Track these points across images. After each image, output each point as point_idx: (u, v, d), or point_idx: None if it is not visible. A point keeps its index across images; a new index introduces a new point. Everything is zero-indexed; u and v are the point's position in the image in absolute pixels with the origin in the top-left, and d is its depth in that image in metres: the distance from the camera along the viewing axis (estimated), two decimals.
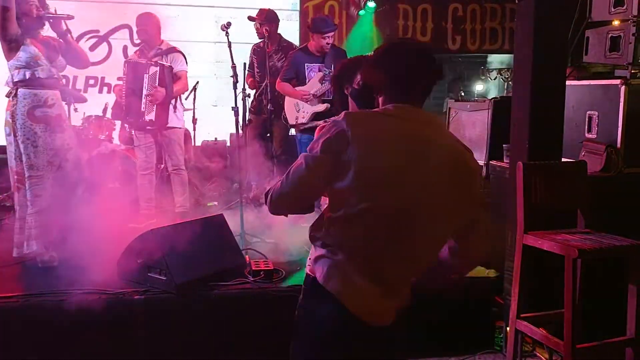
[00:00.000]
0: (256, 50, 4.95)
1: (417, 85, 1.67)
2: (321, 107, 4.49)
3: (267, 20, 4.94)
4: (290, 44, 5.12)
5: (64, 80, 3.87)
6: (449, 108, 4.81)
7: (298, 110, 4.58)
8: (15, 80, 3.44)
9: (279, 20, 5.11)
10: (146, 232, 3.17)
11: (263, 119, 4.94)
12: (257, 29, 4.99)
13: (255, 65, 4.93)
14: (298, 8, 7.04)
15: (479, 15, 7.65)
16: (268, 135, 4.97)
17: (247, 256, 3.51)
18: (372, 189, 1.57)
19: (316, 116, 4.47)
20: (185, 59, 4.58)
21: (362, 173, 1.56)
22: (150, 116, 4.38)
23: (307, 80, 4.56)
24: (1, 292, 2.93)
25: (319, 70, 4.55)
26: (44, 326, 2.77)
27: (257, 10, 5.06)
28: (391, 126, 1.61)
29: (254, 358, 3.05)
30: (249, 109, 5.11)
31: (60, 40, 3.59)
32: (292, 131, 4.93)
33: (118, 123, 5.78)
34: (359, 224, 1.59)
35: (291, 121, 4.65)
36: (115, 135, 5.71)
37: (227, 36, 4.19)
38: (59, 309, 2.81)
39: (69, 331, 2.79)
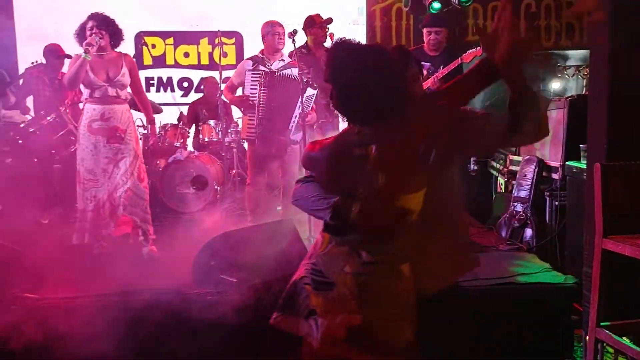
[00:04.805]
0: (301, 57, 4.88)
1: None
2: None
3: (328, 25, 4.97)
4: None
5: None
6: None
7: None
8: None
9: None
10: (219, 235, 3.28)
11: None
12: (323, 33, 4.96)
13: (306, 70, 4.88)
14: (364, 12, 7.05)
15: (553, 10, 7.34)
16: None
17: None
18: None
19: None
20: None
21: None
22: (296, 137, 4.30)
23: None
24: (79, 291, 3.13)
25: (428, 69, 4.40)
26: (118, 323, 2.85)
27: (318, 15, 5.04)
28: None
29: None
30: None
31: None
32: None
33: (192, 130, 6.03)
34: None
35: None
36: (189, 142, 5.96)
37: (294, 44, 4.25)
38: (135, 306, 2.96)
39: (143, 329, 2.90)
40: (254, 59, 4.48)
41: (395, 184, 1.68)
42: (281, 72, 4.29)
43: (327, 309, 1.76)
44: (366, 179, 1.70)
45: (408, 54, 2.01)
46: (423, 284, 1.78)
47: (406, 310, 1.77)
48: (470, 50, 4.37)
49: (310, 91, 4.20)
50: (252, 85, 4.25)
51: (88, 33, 3.85)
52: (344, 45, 1.79)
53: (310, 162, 1.93)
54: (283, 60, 4.43)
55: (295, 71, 4.32)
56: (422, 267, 1.76)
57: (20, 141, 5.07)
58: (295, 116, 4.21)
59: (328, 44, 4.88)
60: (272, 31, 4.38)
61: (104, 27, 3.89)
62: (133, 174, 3.98)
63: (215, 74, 6.01)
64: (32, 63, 5.59)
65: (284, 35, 4.39)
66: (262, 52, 4.49)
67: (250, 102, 4.25)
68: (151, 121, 4.54)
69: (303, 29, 5.02)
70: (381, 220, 1.72)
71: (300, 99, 4.15)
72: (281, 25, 4.42)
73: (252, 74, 4.27)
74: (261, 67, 4.33)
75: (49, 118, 5.12)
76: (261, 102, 4.21)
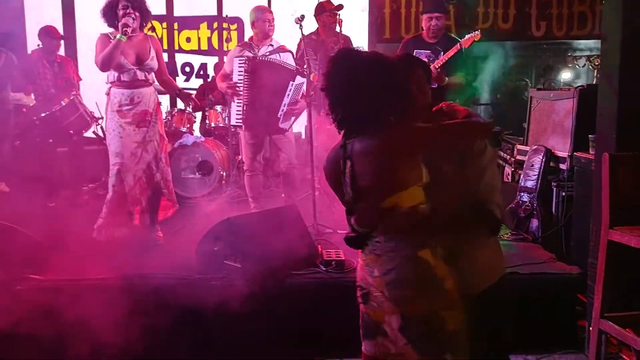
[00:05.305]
0: (310, 43, 4.69)
1: None
2: None
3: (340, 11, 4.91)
4: (348, 37, 5.02)
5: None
6: (531, 97, 4.61)
7: None
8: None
9: None
10: (223, 220, 3.28)
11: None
12: (333, 20, 4.92)
13: (314, 56, 4.81)
14: None
15: None
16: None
17: (319, 246, 3.54)
18: None
19: None
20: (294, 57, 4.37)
21: None
22: (285, 125, 4.22)
23: None
24: (84, 274, 3.15)
25: (427, 57, 4.28)
26: (121, 307, 2.84)
27: (328, 1, 4.98)
28: None
29: (327, 346, 3.08)
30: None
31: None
32: None
33: (199, 115, 6.01)
34: None
35: None
36: (196, 127, 5.95)
37: (301, 29, 4.19)
38: (138, 290, 2.98)
39: (146, 313, 2.89)
40: (242, 45, 4.41)
41: (385, 186, 1.77)
42: (266, 58, 4.18)
43: (378, 317, 1.85)
44: (352, 189, 1.81)
45: (413, 63, 2.02)
46: (467, 282, 1.80)
47: (441, 298, 1.77)
48: (468, 35, 4.30)
49: (299, 79, 4.10)
50: (239, 71, 4.16)
51: (120, 13, 3.65)
52: (343, 56, 1.87)
53: (326, 181, 2.03)
54: (272, 45, 4.32)
55: (284, 56, 4.25)
56: (464, 265, 1.78)
57: (38, 122, 5.05)
58: (285, 104, 4.12)
59: (338, 30, 4.85)
60: (262, 17, 4.26)
61: (137, 7, 3.72)
62: (162, 159, 3.89)
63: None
64: (38, 45, 5.56)
65: (273, 21, 4.29)
66: (251, 38, 4.40)
67: (237, 89, 4.17)
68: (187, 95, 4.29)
69: (314, 15, 4.98)
70: (377, 218, 1.81)
71: (290, 87, 4.06)
72: (270, 12, 4.33)
73: (239, 60, 4.17)
74: (246, 53, 4.23)
75: (62, 103, 5.08)
76: (245, 88, 4.13)
